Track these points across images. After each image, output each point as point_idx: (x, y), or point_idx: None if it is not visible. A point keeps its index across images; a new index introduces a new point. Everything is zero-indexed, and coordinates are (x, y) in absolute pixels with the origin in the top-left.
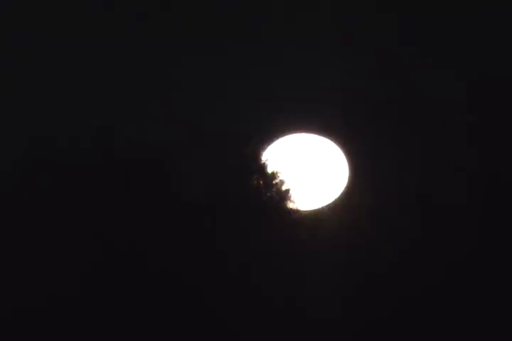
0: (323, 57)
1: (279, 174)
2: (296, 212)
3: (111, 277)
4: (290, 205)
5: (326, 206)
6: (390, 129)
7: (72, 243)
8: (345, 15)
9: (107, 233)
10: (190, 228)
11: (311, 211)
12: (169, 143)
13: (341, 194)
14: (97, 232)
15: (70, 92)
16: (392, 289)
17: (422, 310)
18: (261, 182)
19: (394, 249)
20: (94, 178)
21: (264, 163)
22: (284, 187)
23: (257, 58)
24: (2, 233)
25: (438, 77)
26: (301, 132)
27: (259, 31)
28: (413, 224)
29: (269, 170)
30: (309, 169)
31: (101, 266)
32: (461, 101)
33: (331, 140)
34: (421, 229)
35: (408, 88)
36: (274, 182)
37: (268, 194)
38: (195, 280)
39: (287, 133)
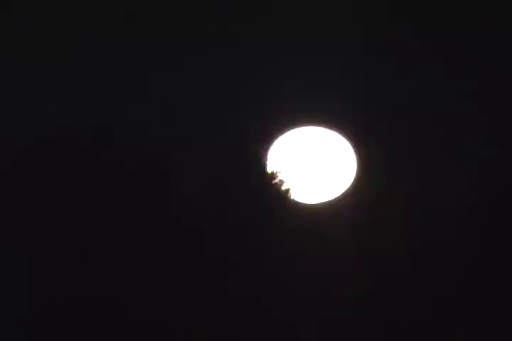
0: (329, 53)
1: (279, 174)
2: (298, 209)
3: (110, 276)
4: (291, 205)
5: (330, 203)
6: (406, 126)
7: (72, 243)
8: (347, 13)
9: (105, 233)
10: (190, 228)
11: (314, 208)
12: (169, 143)
13: (347, 191)
14: (96, 232)
15: (69, 92)
16: (396, 289)
17: (427, 311)
18: (261, 182)
19: (399, 249)
20: (93, 178)
21: (264, 163)
22: (284, 187)
23: (258, 58)
24: (2, 233)
25: (448, 74)
26: (308, 125)
27: (259, 31)
28: (421, 223)
29: (269, 170)
30: (315, 163)
31: (100, 265)
32: (473, 100)
33: (340, 133)
34: (428, 230)
35: (419, 84)
36: (274, 182)
37: (268, 194)
38: (195, 281)
39: (293, 128)
